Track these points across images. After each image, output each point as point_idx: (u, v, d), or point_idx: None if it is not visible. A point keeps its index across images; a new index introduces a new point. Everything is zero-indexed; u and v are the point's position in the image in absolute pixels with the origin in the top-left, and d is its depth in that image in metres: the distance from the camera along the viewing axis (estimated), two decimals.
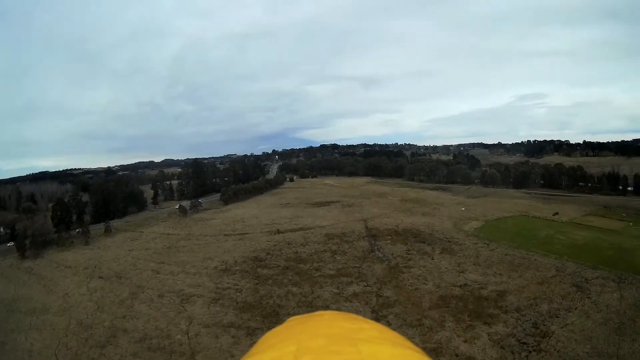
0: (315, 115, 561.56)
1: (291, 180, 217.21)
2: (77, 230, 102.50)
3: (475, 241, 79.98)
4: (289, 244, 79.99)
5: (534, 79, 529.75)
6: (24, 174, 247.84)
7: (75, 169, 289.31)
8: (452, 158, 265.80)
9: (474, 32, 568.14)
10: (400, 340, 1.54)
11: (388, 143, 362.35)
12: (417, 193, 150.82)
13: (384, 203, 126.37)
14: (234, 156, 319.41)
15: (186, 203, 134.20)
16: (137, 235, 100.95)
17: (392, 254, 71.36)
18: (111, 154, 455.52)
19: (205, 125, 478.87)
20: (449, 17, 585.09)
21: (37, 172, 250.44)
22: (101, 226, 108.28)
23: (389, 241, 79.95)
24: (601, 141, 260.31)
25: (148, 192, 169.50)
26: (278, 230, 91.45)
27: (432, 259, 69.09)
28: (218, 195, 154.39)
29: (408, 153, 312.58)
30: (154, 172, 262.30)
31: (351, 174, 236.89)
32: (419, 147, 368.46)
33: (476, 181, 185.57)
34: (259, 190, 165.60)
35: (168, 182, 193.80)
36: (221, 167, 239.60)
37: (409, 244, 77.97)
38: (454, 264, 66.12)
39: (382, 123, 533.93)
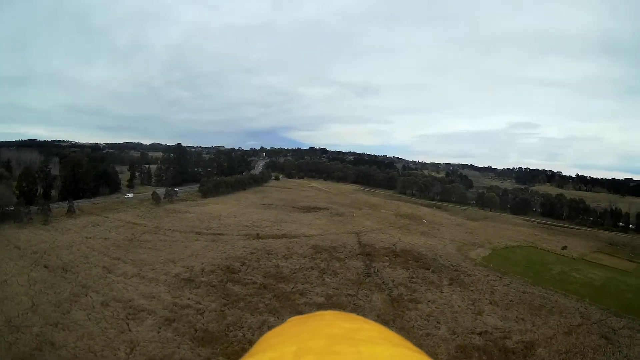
0: (307, 117, 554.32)
1: (277, 179, 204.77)
2: (38, 207, 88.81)
3: (485, 272, 69.79)
4: (269, 253, 67.22)
5: (528, 107, 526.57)
6: (12, 139, 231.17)
7: (63, 140, 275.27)
8: (445, 176, 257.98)
9: (472, 52, 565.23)
10: (400, 341, 1.55)
11: (377, 154, 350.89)
12: (411, 208, 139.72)
13: (377, 216, 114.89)
14: (222, 148, 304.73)
15: (162, 190, 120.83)
16: (101, 220, 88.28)
17: (393, 281, 59.61)
18: (101, 131, 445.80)
19: (198, 114, 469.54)
20: (450, 34, 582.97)
21: (25, 139, 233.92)
22: (67, 205, 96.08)
23: (387, 263, 68.30)
24: (593, 176, 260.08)
25: (126, 174, 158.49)
26: (258, 234, 78.59)
27: (441, 291, 58.03)
28: (198, 186, 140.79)
29: (399, 165, 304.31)
30: (138, 154, 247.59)
31: (339, 179, 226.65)
32: (407, 162, 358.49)
33: (471, 202, 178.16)
34: (241, 186, 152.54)
35: (147, 166, 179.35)
36: (207, 157, 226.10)
37: (411, 269, 66.48)
38: (468, 301, 55.24)
39: (373, 132, 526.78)
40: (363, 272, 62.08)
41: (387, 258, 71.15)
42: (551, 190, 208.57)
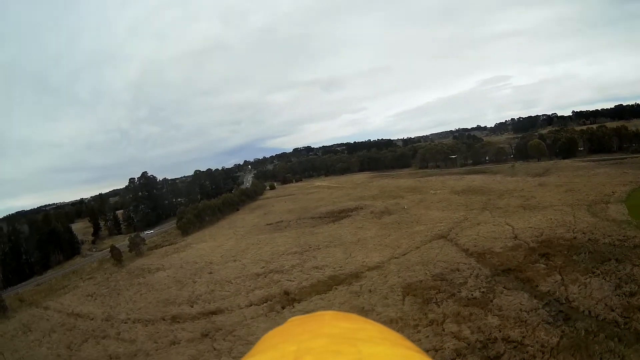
0: (281, 123, 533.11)
1: (272, 188, 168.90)
2: None
3: None
4: None
5: (496, 62, 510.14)
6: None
7: (47, 205, 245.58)
8: (453, 139, 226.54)
9: (428, 22, 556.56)
10: (400, 341, 1.52)
11: (360, 140, 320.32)
12: (460, 180, 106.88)
13: (435, 201, 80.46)
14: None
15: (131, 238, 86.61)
16: (38, 317, 53.89)
17: (614, 309, 26.04)
18: (85, 185, 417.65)
19: (173, 145, 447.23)
20: (402, 10, 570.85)
21: (13, 212, 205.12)
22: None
23: (557, 276, 34.05)
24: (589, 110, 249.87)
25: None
26: (287, 293, 41.97)
27: None
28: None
29: (399, 143, 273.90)
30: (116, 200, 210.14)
31: (343, 171, 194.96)
32: (391, 141, 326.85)
33: (509, 157, 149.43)
34: (232, 206, 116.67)
35: (110, 213, 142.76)
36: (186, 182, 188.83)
37: (597, 271, 34.04)
38: None
39: (348, 123, 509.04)
40: (549, 315, 27.67)
41: (541, 266, 36.88)
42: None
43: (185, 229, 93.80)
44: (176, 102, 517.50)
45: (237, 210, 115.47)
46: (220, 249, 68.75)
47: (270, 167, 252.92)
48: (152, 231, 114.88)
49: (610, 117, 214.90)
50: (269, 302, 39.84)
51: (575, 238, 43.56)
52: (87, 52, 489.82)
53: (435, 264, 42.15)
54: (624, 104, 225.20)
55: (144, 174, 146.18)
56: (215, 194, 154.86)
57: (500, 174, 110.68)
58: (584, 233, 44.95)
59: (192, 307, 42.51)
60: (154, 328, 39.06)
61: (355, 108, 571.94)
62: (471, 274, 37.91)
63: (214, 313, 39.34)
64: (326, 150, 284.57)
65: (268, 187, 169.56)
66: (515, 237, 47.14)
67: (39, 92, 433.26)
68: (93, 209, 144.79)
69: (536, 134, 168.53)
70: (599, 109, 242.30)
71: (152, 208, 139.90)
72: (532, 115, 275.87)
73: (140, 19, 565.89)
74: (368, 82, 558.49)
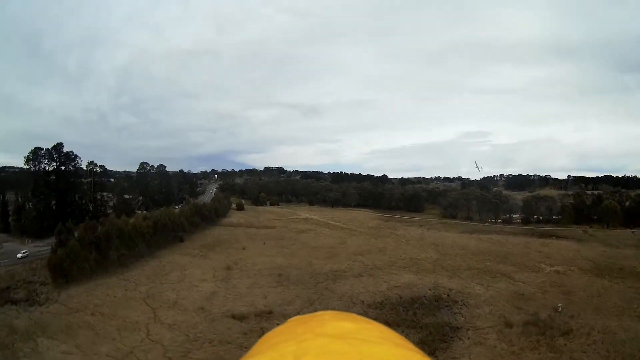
0: (255, 140, 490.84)
1: (240, 208, 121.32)
2: None
3: None
4: None
5: (478, 116, 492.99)
6: None
7: (12, 166, 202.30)
8: (461, 188, 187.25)
9: (417, 65, 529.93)
10: (400, 341, 1.52)
11: (335, 171, 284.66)
12: (553, 247, 69.52)
13: (592, 293, 40.59)
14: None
15: None
16: None
17: None
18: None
19: (147, 140, 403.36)
20: (393, 48, 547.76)
21: None
22: None
23: None
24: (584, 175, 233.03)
25: None
26: None
27: None
28: None
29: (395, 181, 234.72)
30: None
31: (334, 203, 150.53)
32: (386, 177, 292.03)
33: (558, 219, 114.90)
34: (173, 233, 68.92)
35: None
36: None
37: None
38: None
39: (321, 152, 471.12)
40: None
41: None
42: (556, 193, 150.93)
43: (64, 273, 45.42)
44: (157, 97, 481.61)
45: (182, 241, 67.88)
46: None
47: (239, 180, 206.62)
48: (25, 252, 65.40)
49: (612, 185, 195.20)
50: None
51: None
52: (83, 29, 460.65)
53: None
54: (613, 175, 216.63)
55: (58, 146, 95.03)
56: (165, 200, 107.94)
57: (585, 242, 79.55)
58: None
59: None
60: None
61: (331, 138, 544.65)
62: None
63: None
64: (305, 175, 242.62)
65: (235, 206, 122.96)
66: None
67: (30, 55, 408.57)
68: None
69: (589, 192, 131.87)
70: (599, 176, 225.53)
71: (57, 204, 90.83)
72: (523, 174, 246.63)
73: (139, 8, 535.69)
74: (347, 114, 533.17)
